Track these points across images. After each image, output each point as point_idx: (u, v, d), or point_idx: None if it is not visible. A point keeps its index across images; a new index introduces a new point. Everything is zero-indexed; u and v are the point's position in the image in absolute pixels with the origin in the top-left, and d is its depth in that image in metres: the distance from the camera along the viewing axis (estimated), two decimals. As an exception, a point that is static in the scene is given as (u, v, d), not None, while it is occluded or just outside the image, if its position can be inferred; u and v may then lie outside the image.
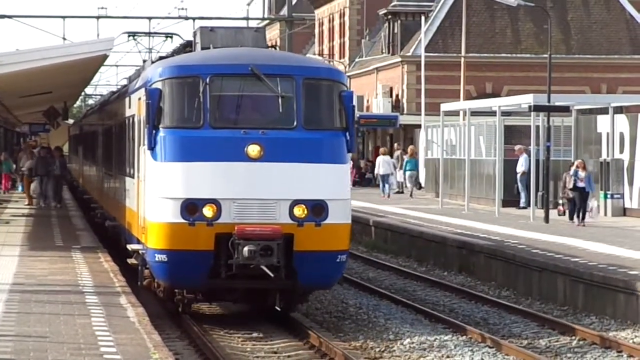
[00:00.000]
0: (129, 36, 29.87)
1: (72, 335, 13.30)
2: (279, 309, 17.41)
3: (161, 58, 21.37)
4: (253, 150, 16.54)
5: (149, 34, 33.10)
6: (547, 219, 30.11)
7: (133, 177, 20.72)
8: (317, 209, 16.72)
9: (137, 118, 20.00)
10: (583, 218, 28.90)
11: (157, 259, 16.97)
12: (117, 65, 64.51)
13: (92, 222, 32.66)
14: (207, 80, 16.97)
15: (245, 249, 16.08)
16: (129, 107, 22.33)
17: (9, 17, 38.64)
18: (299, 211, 16.65)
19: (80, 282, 18.27)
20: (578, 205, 29.01)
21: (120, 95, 27.17)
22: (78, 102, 75.82)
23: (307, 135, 17.15)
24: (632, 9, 60.04)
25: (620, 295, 18.64)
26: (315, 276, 16.91)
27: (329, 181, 17.11)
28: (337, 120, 17.49)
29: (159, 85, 17.37)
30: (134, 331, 13.82)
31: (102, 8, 35.47)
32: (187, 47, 21.02)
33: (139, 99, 19.33)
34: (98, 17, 34.67)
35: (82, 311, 15.26)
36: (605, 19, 59.83)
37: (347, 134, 17.38)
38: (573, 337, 17.15)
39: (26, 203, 36.87)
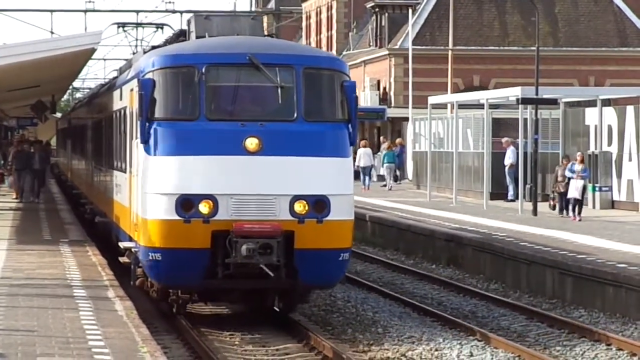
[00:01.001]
0: (118, 27, 29.90)
1: (60, 329, 13.35)
2: (277, 309, 17.02)
3: (153, 48, 20.31)
4: (251, 143, 15.75)
5: (138, 24, 32.91)
6: (535, 211, 30.27)
7: (125, 172, 20.05)
8: (319, 204, 15.92)
9: (128, 110, 19.22)
10: (580, 212, 28.98)
11: (150, 257, 16.11)
12: (105, 59, 64.73)
13: (81, 217, 32.36)
14: (203, 70, 16.16)
15: (244, 247, 15.29)
16: (120, 99, 21.67)
17: None
18: (300, 207, 15.85)
19: (69, 276, 18.35)
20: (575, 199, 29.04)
21: (111, 87, 26.28)
22: (66, 96, 75.73)
23: (308, 128, 16.35)
24: (619, 1, 60.29)
25: (609, 288, 18.80)
26: (316, 275, 16.08)
27: (331, 175, 16.33)
28: (339, 112, 16.67)
29: (152, 75, 16.49)
30: (122, 325, 13.85)
31: (90, 2, 35.42)
32: (180, 36, 20.07)
33: (131, 90, 18.52)
34: (86, 11, 34.64)
35: (70, 305, 15.28)
36: (592, 12, 60.12)
37: (350, 125, 16.52)
38: (562, 330, 17.30)
39: (14, 197, 36.79)
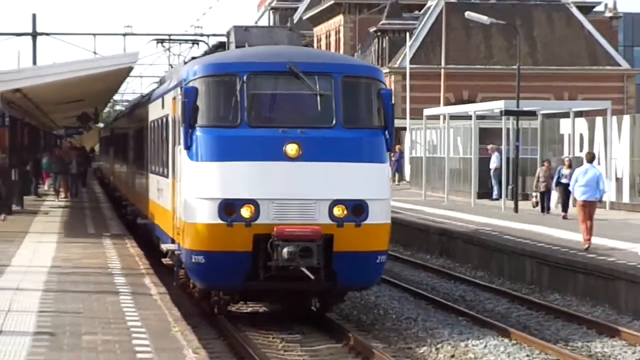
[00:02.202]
0: (157, 42, 28.91)
1: (102, 311, 13.36)
2: (315, 309, 15.75)
3: (193, 58, 18.94)
4: (292, 149, 14.33)
5: (175, 40, 31.54)
6: (516, 209, 30.11)
7: (167, 177, 18.50)
8: (357, 209, 14.50)
9: (170, 118, 17.80)
10: (566, 210, 28.92)
11: (193, 260, 14.68)
12: (141, 76, 64.59)
13: (122, 218, 31.03)
14: (245, 78, 14.66)
15: (285, 250, 13.90)
16: (162, 107, 20.12)
17: (47, 34, 38.80)
18: (339, 211, 14.47)
19: (110, 265, 18.34)
20: (563, 199, 28.94)
21: (152, 97, 24.40)
22: (107, 108, 76.05)
23: (347, 134, 14.84)
24: (590, 27, 61.30)
25: (580, 275, 18.76)
26: (355, 277, 14.75)
27: (369, 181, 14.82)
28: (375, 119, 15.22)
29: (195, 83, 15.01)
30: (156, 307, 13.86)
31: (128, 26, 35.89)
32: (219, 47, 18.73)
33: (173, 98, 17.15)
34: (125, 35, 35.03)
35: (111, 290, 15.25)
36: (567, 35, 60.66)
37: (386, 132, 15.08)
38: (540, 312, 17.26)
39: (62, 196, 36.91)
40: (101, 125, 62.07)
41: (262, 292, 15.18)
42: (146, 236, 23.18)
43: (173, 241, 16.81)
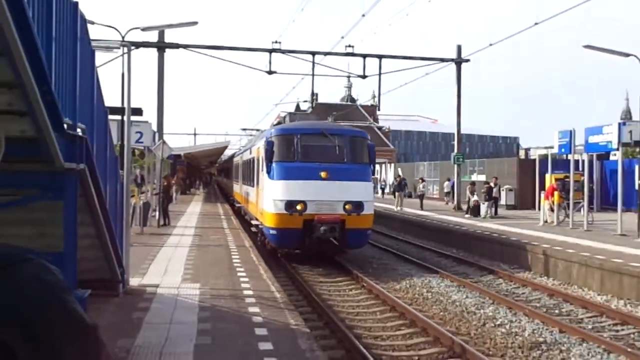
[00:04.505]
0: (243, 130, 39.37)
1: (220, 258, 16.15)
2: (331, 255, 19.34)
3: (272, 126, 24.63)
4: (324, 174, 17.71)
5: (251, 129, 40.77)
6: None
7: (253, 187, 22.66)
8: (358, 205, 17.82)
9: (255, 158, 22.46)
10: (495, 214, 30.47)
11: (270, 232, 18.02)
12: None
13: (232, 207, 36.52)
14: (298, 136, 18.35)
15: (321, 228, 17.27)
16: (250, 153, 25.80)
17: (185, 47, 30.53)
18: (349, 207, 17.72)
19: (228, 240, 20.39)
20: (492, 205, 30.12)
21: (245, 150, 31.51)
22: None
23: (352, 166, 18.23)
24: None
25: (502, 247, 20.12)
26: (355, 242, 18.32)
27: (363, 190, 18.20)
28: (365, 158, 18.68)
29: (272, 139, 18.50)
30: (250, 257, 16.39)
31: (276, 42, 30.38)
32: (279, 123, 25.15)
33: (258, 148, 21.40)
34: (271, 51, 30.41)
35: (226, 250, 17.64)
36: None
37: (372, 166, 18.82)
38: (494, 276, 18.02)
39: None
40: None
41: (307, 249, 18.28)
42: (242, 215, 28.95)
43: (256, 219, 20.99)
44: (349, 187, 17.85)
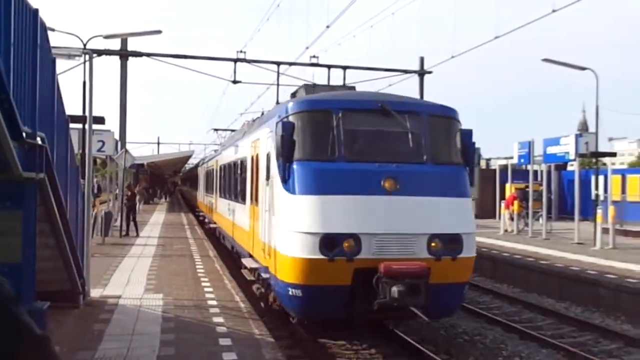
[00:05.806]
0: (215, 130, 34.30)
1: (183, 267, 15.78)
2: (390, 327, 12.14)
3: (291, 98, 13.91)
4: (389, 183, 10.11)
5: (226, 130, 37.67)
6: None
7: (243, 203, 14.93)
8: (454, 242, 10.27)
9: (250, 158, 14.15)
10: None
11: (290, 292, 10.04)
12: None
13: (197, 218, 34.24)
14: (340, 114, 10.44)
15: (394, 289, 9.62)
16: (236, 152, 17.27)
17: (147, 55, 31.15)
18: (436, 245, 10.17)
19: (192, 250, 19.92)
20: None
21: (225, 149, 21.99)
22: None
23: (438, 169, 10.63)
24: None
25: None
26: (443, 306, 10.57)
27: (460, 214, 10.50)
28: (458, 154, 11.06)
29: (292, 118, 10.61)
30: (216, 268, 16.00)
31: (241, 52, 30.47)
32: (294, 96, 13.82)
33: (255, 141, 13.59)
34: (236, 60, 30.50)
35: (191, 260, 17.27)
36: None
37: (468, 168, 11.02)
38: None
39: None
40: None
41: (360, 318, 10.50)
42: (213, 232, 24.97)
43: (256, 261, 12.77)
44: (435, 207, 10.39)
